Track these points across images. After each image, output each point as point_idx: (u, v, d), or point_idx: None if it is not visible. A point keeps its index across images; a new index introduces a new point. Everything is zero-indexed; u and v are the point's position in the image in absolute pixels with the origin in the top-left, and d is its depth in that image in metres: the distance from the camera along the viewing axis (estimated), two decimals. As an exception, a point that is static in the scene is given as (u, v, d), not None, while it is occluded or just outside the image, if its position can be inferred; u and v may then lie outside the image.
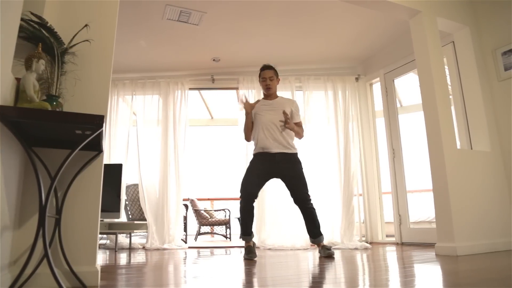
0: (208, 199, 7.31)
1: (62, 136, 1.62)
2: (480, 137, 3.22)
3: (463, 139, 3.38)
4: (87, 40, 1.82)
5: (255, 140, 2.96)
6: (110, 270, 2.20)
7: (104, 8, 1.96)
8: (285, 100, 3.10)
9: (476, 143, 3.25)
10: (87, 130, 1.48)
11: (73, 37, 1.76)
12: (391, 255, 2.77)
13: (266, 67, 3.05)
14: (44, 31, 1.68)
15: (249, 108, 2.96)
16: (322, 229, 2.87)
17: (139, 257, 2.95)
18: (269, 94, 3.04)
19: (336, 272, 1.96)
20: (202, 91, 5.63)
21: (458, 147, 3.33)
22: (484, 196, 2.93)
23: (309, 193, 2.89)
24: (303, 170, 2.94)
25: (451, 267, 2.00)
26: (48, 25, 1.68)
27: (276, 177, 2.94)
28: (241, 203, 2.83)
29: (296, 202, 2.89)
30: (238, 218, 2.93)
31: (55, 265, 1.66)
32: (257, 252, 3.43)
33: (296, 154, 2.95)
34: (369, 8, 3.17)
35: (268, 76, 3.00)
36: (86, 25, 1.78)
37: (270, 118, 2.91)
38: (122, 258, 2.86)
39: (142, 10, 3.38)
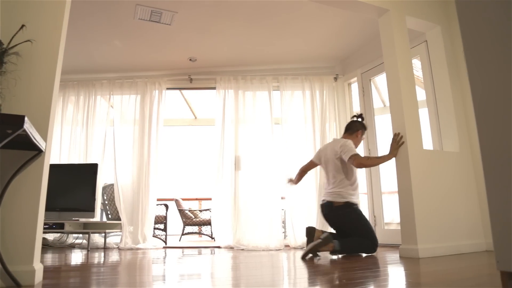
0: (196, 199, 7.31)
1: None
2: (450, 137, 3.18)
3: (436, 139, 3.34)
4: (29, 41, 1.82)
5: (355, 186, 3.07)
6: (63, 269, 2.20)
7: (49, 9, 1.95)
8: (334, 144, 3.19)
9: (446, 143, 3.21)
10: (17, 130, 1.49)
11: (12, 37, 1.77)
12: (356, 256, 2.75)
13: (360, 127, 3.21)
14: (-19, 31, 1.69)
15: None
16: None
17: (105, 257, 2.95)
18: None
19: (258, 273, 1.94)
20: (183, 91, 5.64)
21: (431, 148, 3.30)
22: (452, 197, 2.89)
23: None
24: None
25: (408, 270, 1.98)
26: (-15, 25, 1.68)
27: None
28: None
29: None
30: None
31: (-10, 264, 1.68)
32: (232, 252, 3.42)
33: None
34: (337, 7, 3.14)
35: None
36: (22, 26, 1.78)
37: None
38: (90, 258, 2.86)
39: (112, 10, 3.39)
